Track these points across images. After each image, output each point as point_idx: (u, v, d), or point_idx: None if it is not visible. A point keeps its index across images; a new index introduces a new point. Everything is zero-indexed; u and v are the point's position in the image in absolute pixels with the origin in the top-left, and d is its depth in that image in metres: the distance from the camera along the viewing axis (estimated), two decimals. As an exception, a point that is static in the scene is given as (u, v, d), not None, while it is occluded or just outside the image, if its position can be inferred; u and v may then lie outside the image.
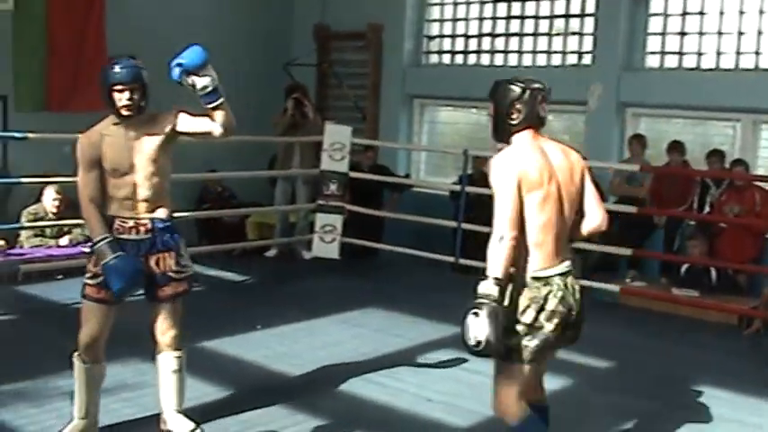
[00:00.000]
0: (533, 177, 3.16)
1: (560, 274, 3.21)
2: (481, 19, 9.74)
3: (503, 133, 3.36)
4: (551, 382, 3.81)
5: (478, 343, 2.98)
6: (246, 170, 9.06)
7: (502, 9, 9.56)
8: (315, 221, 8.44)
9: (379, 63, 10.25)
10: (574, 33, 9.07)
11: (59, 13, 8.21)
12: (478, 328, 2.97)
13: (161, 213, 3.92)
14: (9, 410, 4.34)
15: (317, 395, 4.87)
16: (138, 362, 4.94)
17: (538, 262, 3.18)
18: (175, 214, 7.56)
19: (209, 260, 8.19)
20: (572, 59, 9.09)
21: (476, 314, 2.98)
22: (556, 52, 9.18)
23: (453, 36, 10.01)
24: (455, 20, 9.96)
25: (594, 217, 3.39)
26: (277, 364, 5.31)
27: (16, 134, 6.80)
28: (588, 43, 8.93)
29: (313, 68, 10.63)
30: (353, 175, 8.44)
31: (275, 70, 10.15)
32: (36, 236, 7.56)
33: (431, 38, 10.19)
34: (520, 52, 9.44)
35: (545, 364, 3.43)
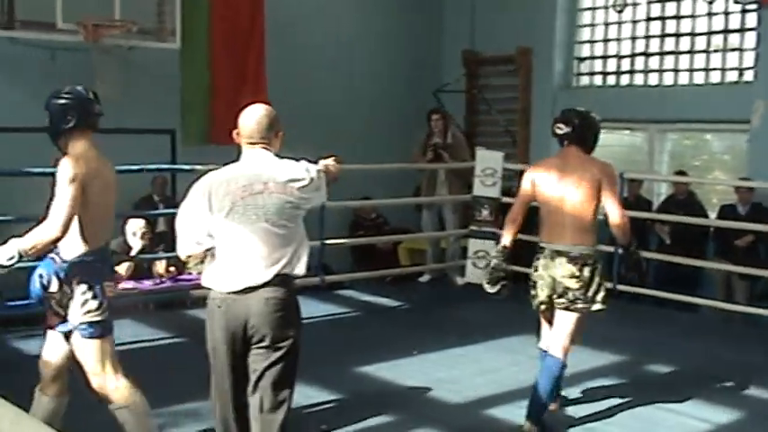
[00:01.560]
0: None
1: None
2: (634, 38, 9.54)
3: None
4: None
5: None
6: (396, 196, 9.21)
7: (655, 27, 9.33)
8: (467, 247, 8.45)
9: (529, 87, 10.20)
10: (734, 49, 8.73)
11: (222, 49, 8.58)
12: None
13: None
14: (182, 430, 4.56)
15: (476, 422, 4.88)
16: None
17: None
18: (331, 241, 7.83)
19: (363, 286, 8.36)
20: (732, 76, 8.75)
21: None
22: (714, 69, 8.86)
23: (605, 57, 9.85)
24: (606, 40, 9.81)
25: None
26: (436, 391, 5.34)
27: (185, 166, 7.15)
28: (749, 59, 8.58)
29: (462, 94, 10.70)
30: (506, 200, 8.40)
31: (425, 97, 10.29)
32: (202, 262, 7.92)
33: (581, 59, 10.07)
34: (676, 71, 9.17)
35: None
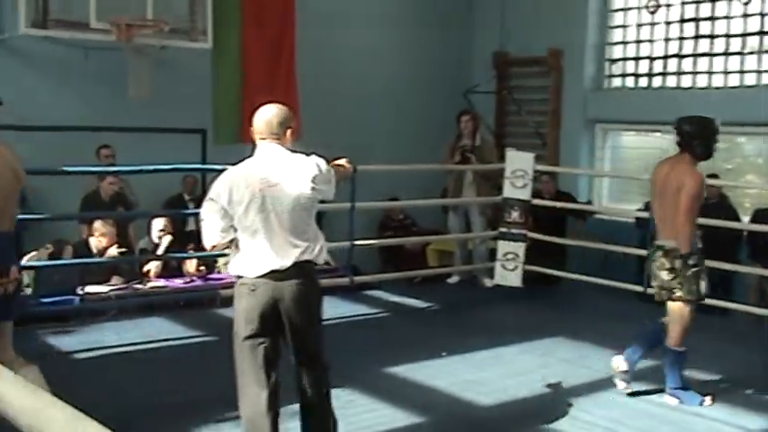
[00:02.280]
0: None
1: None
2: (667, 40, 9.45)
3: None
4: None
5: None
6: (424, 198, 9.19)
7: (689, 29, 9.23)
8: (496, 249, 8.42)
9: (560, 88, 10.14)
10: (769, 51, 8.63)
11: (253, 50, 8.60)
12: None
13: None
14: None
15: (506, 425, 4.86)
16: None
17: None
18: (360, 242, 7.84)
19: (391, 286, 8.35)
20: (767, 79, 8.63)
21: None
22: (749, 72, 8.75)
23: (637, 58, 9.76)
24: (638, 42, 9.72)
25: None
26: (465, 392, 5.32)
27: (216, 166, 7.15)
28: (785, 61, 8.47)
29: (492, 95, 10.67)
30: (536, 202, 8.37)
31: (455, 98, 10.26)
32: (226, 254, 7.98)
33: (613, 61, 9.99)
34: (710, 73, 9.07)
35: None
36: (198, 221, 8.41)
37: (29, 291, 6.77)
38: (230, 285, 7.47)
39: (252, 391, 3.77)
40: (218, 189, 3.81)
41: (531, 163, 8.28)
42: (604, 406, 5.12)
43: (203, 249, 7.93)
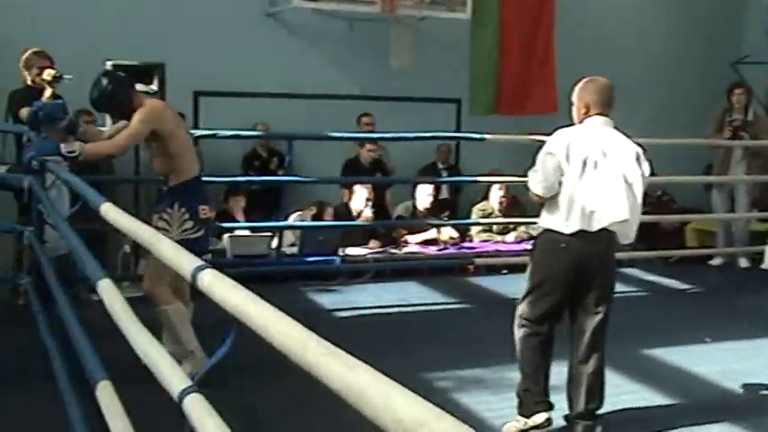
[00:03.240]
0: None
1: None
2: None
3: None
4: None
5: None
6: (685, 174, 8.71)
7: None
8: (764, 231, 7.83)
9: None
10: None
11: (512, 18, 8.54)
12: None
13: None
14: (469, 395, 4.62)
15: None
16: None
17: None
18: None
19: (645, 265, 8.03)
20: None
21: None
22: None
23: None
24: None
25: None
26: (728, 382, 5.01)
27: (475, 135, 7.20)
28: None
29: (765, 66, 9.89)
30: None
31: (722, 70, 9.63)
32: (484, 231, 8.03)
33: None
34: None
35: None
36: (451, 190, 8.63)
37: (294, 249, 7.21)
38: (483, 254, 7.62)
39: None
40: (558, 144, 3.92)
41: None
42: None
43: (456, 218, 8.11)
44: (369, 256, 7.36)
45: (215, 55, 8.04)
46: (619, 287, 7.23)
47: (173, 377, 2.06)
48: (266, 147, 8.15)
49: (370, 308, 6.39)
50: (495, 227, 8.03)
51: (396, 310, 6.35)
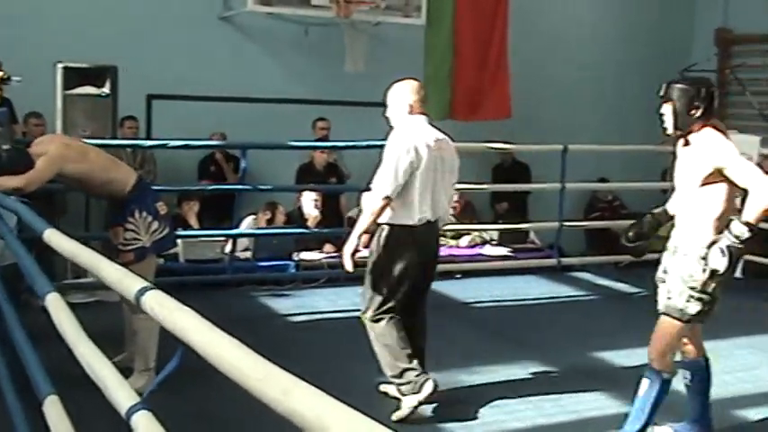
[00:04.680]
0: None
1: None
2: None
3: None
4: None
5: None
6: (638, 180, 8.85)
7: None
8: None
9: (790, 67, 9.45)
10: None
11: (467, 24, 8.57)
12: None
13: None
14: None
15: (726, 422, 4.61)
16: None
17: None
18: (569, 223, 7.70)
19: (597, 269, 8.14)
20: None
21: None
22: None
23: None
24: None
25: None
26: (679, 385, 5.07)
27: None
28: None
29: (712, 74, 10.08)
30: (759, 188, 7.83)
31: (671, 77, 9.75)
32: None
33: None
34: None
35: None
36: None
37: (248, 254, 7.17)
38: (444, 260, 7.63)
39: None
40: (408, 144, 4.25)
41: (756, 146, 7.78)
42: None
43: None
44: (323, 260, 7.35)
45: (169, 58, 7.98)
46: (570, 291, 7.46)
47: (120, 394, 2.05)
48: (222, 152, 8.11)
49: (324, 312, 6.38)
50: (448, 231, 8.06)
51: (350, 314, 6.33)
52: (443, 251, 7.80)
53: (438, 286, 7.29)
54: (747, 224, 3.48)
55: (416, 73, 8.48)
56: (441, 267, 7.35)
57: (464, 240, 8.06)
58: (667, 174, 8.68)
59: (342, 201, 8.30)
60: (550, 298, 7.15)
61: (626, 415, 4.12)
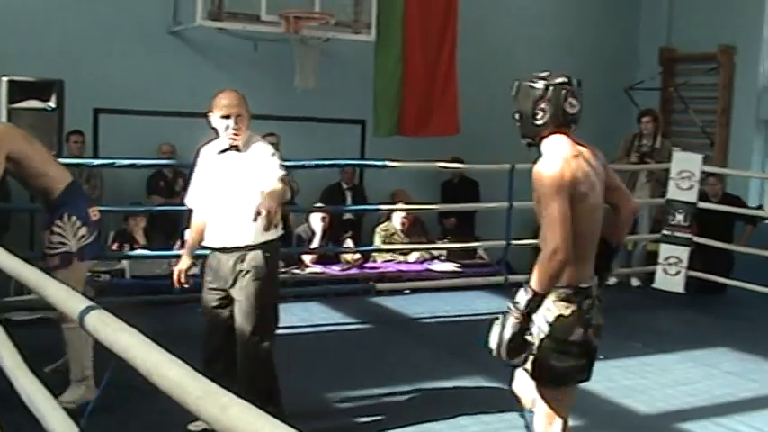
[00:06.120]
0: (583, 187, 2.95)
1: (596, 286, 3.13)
2: None
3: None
4: None
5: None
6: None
7: None
8: (658, 252, 8.13)
9: (730, 86, 9.70)
10: None
11: (416, 41, 8.64)
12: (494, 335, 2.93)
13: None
14: (369, 415, 4.63)
15: (667, 435, 4.70)
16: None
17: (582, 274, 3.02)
18: (516, 242, 7.75)
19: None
20: None
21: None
22: None
23: (818, 56, 9.20)
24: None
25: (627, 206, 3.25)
26: (623, 399, 5.17)
27: (376, 162, 7.29)
28: None
29: (656, 92, 10.30)
30: (702, 205, 8.01)
31: (616, 95, 9.99)
32: (387, 251, 8.10)
33: (791, 59, 9.46)
34: None
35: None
36: (354, 211, 8.66)
37: (196, 269, 7.08)
38: (385, 274, 7.68)
39: None
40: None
41: (698, 164, 7.94)
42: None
43: (359, 238, 8.14)
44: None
45: (116, 72, 7.91)
46: (519, 307, 7.49)
47: (58, 427, 2.05)
48: (171, 168, 8.04)
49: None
50: (398, 246, 8.10)
51: (298, 330, 6.32)
52: (392, 266, 7.90)
53: (387, 302, 7.39)
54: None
55: (367, 89, 8.62)
56: (388, 286, 7.52)
57: (413, 256, 8.09)
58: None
59: (290, 217, 8.27)
60: (499, 314, 7.18)
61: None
